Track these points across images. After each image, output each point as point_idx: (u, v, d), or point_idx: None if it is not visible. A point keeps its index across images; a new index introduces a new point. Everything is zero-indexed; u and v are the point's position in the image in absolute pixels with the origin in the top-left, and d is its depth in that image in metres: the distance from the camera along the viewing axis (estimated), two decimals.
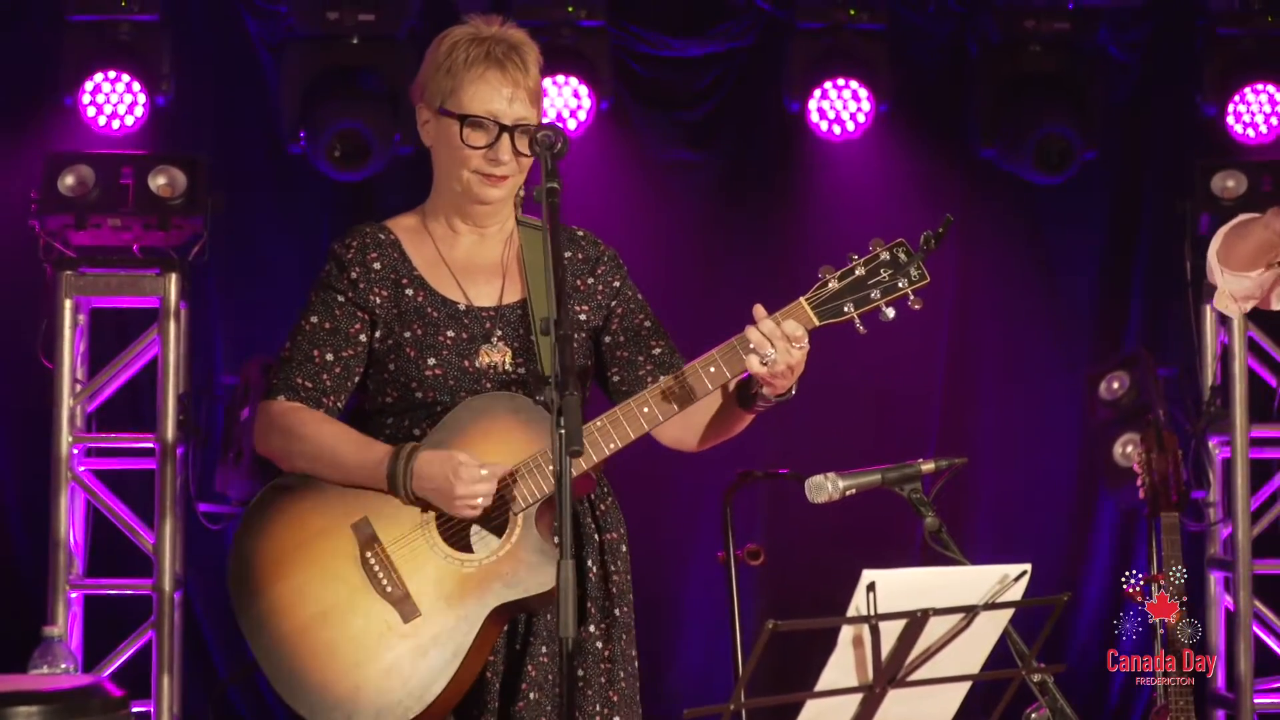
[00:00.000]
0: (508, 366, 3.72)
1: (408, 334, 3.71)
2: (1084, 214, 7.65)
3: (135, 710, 6.24)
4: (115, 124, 6.93)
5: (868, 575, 2.99)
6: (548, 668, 3.66)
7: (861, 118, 7.26)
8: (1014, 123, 7.30)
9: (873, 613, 2.98)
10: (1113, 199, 7.68)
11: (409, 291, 3.74)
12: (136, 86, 6.91)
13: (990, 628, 3.14)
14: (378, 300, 3.74)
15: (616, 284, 3.85)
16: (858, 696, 3.06)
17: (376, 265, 3.76)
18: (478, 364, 3.69)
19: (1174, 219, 7.10)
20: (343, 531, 3.64)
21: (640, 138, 7.48)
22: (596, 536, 3.75)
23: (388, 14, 7.03)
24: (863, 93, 7.24)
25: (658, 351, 3.82)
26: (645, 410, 3.61)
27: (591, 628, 3.71)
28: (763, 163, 7.62)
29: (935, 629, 3.05)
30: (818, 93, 7.25)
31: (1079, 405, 7.38)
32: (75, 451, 6.62)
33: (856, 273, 3.58)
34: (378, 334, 3.73)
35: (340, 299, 3.75)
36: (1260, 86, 7.25)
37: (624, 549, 3.80)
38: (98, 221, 6.59)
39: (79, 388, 6.65)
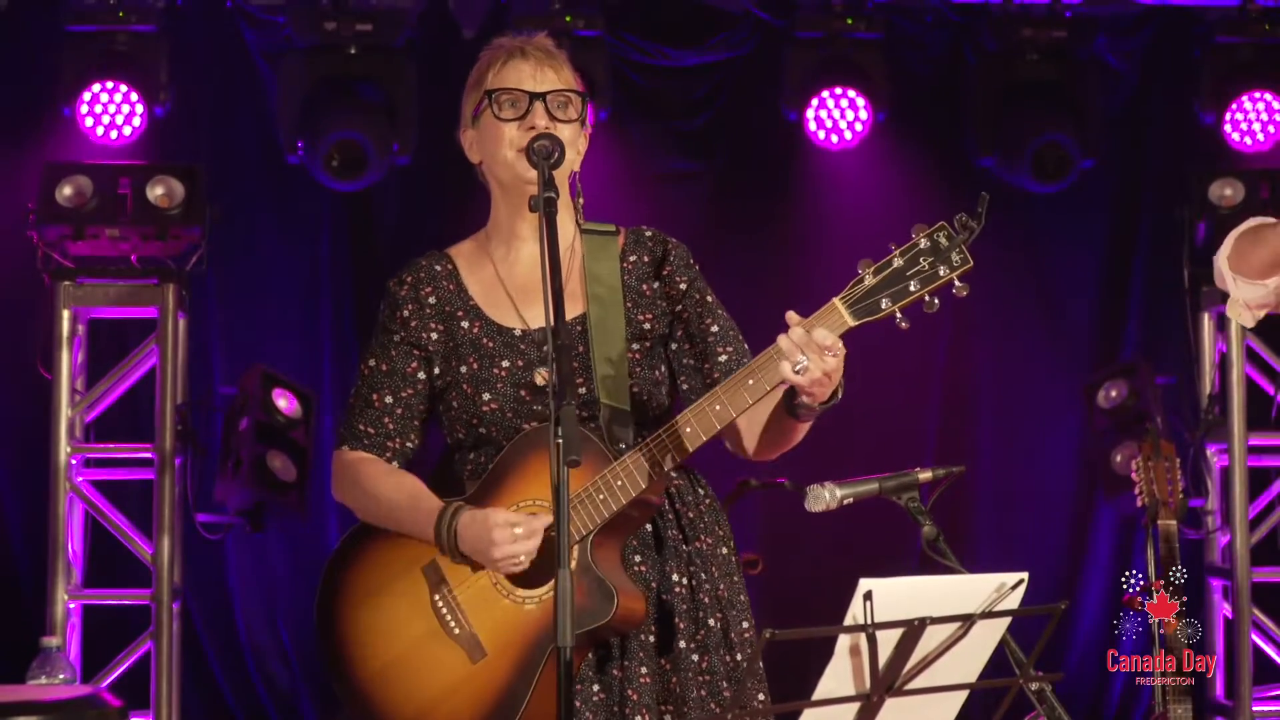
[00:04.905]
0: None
1: (464, 369, 3.64)
2: (1082, 222, 7.66)
3: None
4: (113, 134, 6.93)
5: (865, 584, 2.99)
6: (648, 688, 3.57)
7: (859, 127, 7.27)
8: (1011, 132, 7.30)
9: (870, 621, 2.98)
10: (1111, 207, 7.69)
11: (464, 324, 3.67)
12: (134, 97, 6.92)
13: (988, 636, 3.14)
14: (434, 337, 3.68)
15: (683, 286, 3.73)
16: (855, 705, 3.06)
17: (431, 300, 3.69)
18: (536, 386, 3.60)
19: (1172, 227, 7.11)
20: (414, 575, 3.61)
21: (638, 147, 7.48)
22: (684, 546, 3.65)
23: (385, 24, 7.04)
24: (860, 102, 7.25)
25: (724, 358, 3.68)
26: (688, 430, 3.51)
27: (684, 642, 3.60)
28: (760, 172, 7.62)
29: (932, 638, 3.05)
30: (815, 102, 7.25)
31: (1077, 414, 7.38)
32: (74, 462, 6.62)
33: (894, 264, 3.40)
34: (436, 370, 3.68)
35: (395, 339, 3.69)
36: (1258, 95, 7.25)
37: (723, 552, 3.68)
38: (95, 232, 6.59)
39: (77, 398, 6.66)
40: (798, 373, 3.39)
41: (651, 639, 3.60)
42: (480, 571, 3.56)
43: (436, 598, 3.59)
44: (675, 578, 3.62)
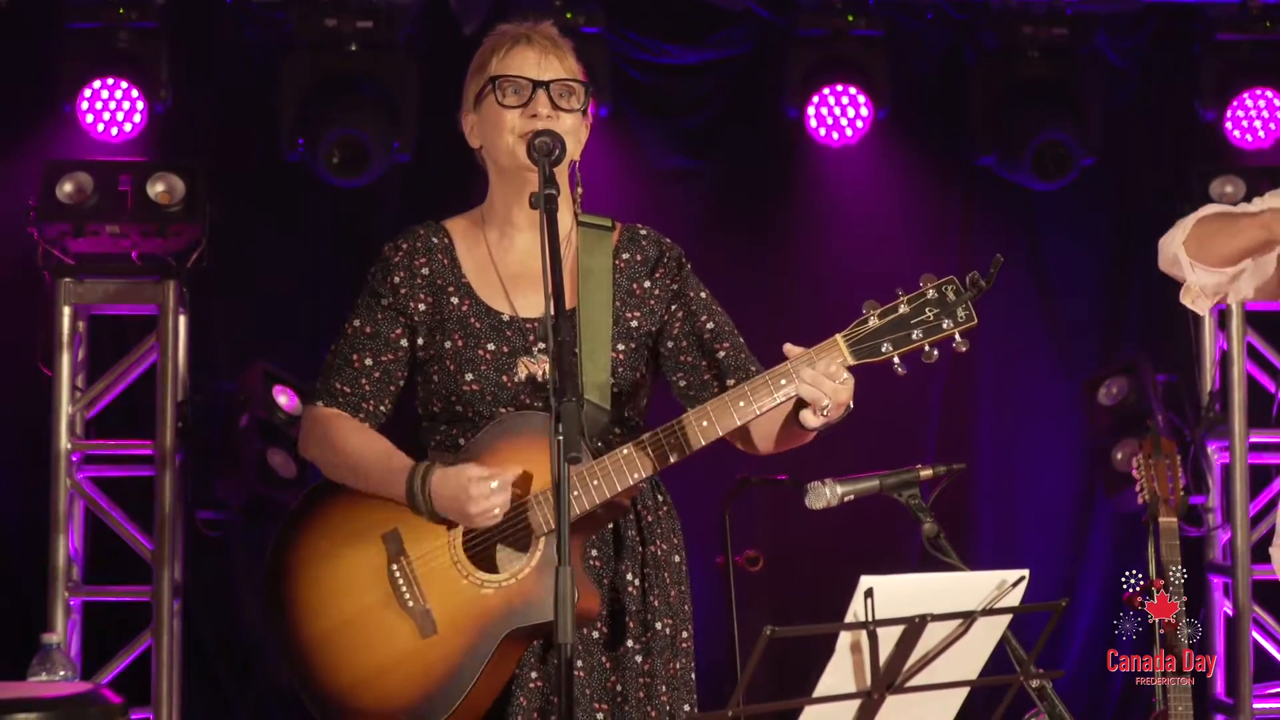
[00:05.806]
0: (547, 377, 3.55)
1: (448, 344, 3.65)
2: (1083, 220, 7.65)
3: (134, 718, 6.26)
4: (114, 131, 6.92)
5: (866, 581, 2.99)
6: (583, 683, 3.59)
7: (860, 124, 7.26)
8: (1012, 129, 7.29)
9: (871, 619, 2.98)
10: (1111, 205, 7.68)
11: (454, 300, 3.68)
12: (135, 93, 6.91)
13: (988, 633, 3.14)
14: (421, 308, 3.69)
15: (675, 286, 3.75)
16: (856, 702, 3.06)
17: (425, 271, 3.71)
18: (517, 378, 3.62)
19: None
20: (373, 541, 3.61)
21: (639, 145, 7.47)
22: (641, 548, 3.68)
23: (386, 21, 7.03)
24: (861, 99, 7.24)
25: (722, 355, 3.71)
26: (672, 443, 3.50)
27: (630, 642, 3.63)
28: (761, 170, 7.62)
29: (933, 635, 3.05)
30: (816, 99, 7.25)
31: (1078, 411, 7.37)
32: (74, 458, 6.62)
33: (900, 310, 3.46)
34: (420, 341, 3.69)
35: (383, 303, 3.72)
36: (1259, 92, 7.25)
37: (676, 560, 3.72)
38: (96, 229, 6.59)
39: (78, 395, 6.66)
40: (823, 415, 3.42)
41: (596, 635, 3.63)
42: (441, 547, 3.56)
43: (394, 567, 3.59)
44: (630, 577, 3.66)
